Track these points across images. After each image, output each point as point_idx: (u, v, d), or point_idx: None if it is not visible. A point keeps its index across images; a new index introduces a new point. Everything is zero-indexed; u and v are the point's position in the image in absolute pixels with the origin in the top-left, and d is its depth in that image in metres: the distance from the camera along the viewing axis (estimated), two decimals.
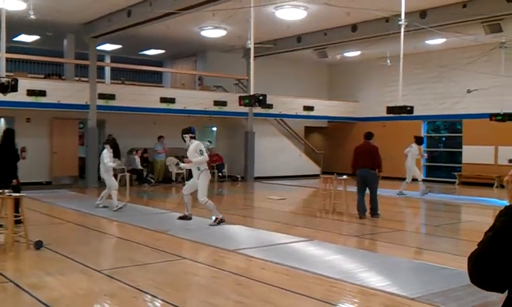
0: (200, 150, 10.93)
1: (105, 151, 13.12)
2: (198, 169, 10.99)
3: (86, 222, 11.48)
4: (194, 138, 11.24)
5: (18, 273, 7.33)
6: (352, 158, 12.74)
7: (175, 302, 5.78)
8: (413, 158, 17.10)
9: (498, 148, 20.42)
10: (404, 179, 17.26)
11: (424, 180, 17.49)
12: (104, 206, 13.05)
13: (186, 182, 20.96)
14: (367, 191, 12.31)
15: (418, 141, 17.65)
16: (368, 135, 12.73)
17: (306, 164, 25.36)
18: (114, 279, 6.70)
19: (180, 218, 11.55)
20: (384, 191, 16.22)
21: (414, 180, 17.10)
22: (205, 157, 11.05)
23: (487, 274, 1.84)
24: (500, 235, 1.84)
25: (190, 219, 11.47)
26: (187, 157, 11.34)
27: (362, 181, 12.28)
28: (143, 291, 6.16)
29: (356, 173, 12.39)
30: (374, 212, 12.22)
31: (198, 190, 11.02)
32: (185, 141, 11.18)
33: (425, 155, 18.72)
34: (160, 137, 20.70)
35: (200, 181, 10.99)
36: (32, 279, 6.76)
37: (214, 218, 11.10)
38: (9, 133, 10.55)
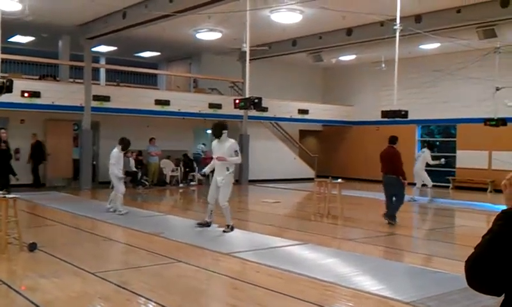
0: (236, 151, 10.27)
1: (114, 150, 12.52)
2: (227, 169, 10.28)
3: (80, 225, 11.43)
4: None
5: (12, 275, 7.30)
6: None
7: (169, 305, 5.77)
8: (423, 164, 16.94)
9: (492, 152, 20.51)
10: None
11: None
12: (114, 211, 12.67)
13: (181, 183, 20.84)
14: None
15: (431, 146, 17.50)
16: (393, 140, 12.32)
17: (300, 167, 25.40)
18: (108, 281, 6.68)
19: (200, 225, 10.81)
20: (378, 195, 16.27)
21: (423, 185, 17.00)
22: (240, 157, 10.52)
23: (484, 277, 1.85)
24: (497, 239, 1.85)
25: (209, 225, 10.77)
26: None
27: (386, 188, 12.04)
28: (137, 294, 6.14)
29: (382, 178, 12.17)
30: (387, 216, 11.91)
31: (220, 193, 10.26)
32: (219, 137, 10.32)
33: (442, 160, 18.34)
34: (151, 139, 20.67)
35: (225, 184, 10.25)
36: (26, 281, 6.74)
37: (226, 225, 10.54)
38: None
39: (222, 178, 10.24)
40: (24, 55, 20.26)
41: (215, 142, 10.54)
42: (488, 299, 1.99)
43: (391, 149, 12.20)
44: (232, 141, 10.44)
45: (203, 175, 11.10)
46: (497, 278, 1.83)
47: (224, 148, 10.23)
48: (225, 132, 10.34)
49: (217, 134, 10.36)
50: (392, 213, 11.91)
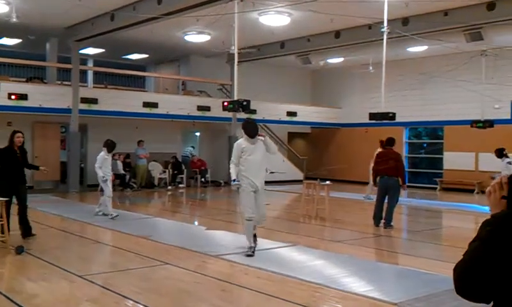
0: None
1: (101, 153, 12.46)
2: (266, 170, 8.79)
3: (68, 228, 11.38)
4: None
5: None
6: (373, 166, 12.17)
7: None
8: None
9: (479, 154, 20.66)
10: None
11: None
12: (104, 214, 12.56)
13: (169, 185, 20.56)
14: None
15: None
16: (391, 141, 12.11)
17: (289, 169, 25.41)
18: (96, 284, 6.66)
19: (249, 255, 8.49)
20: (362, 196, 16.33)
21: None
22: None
23: (473, 286, 1.81)
24: (486, 246, 1.80)
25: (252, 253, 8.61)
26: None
27: (385, 190, 11.79)
28: (125, 296, 6.12)
29: (378, 180, 11.90)
30: (388, 223, 11.73)
31: (262, 201, 8.69)
32: (254, 136, 8.58)
33: None
34: (140, 142, 20.62)
35: (263, 191, 8.62)
36: (13, 284, 6.69)
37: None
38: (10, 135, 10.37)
39: (263, 181, 8.56)
40: (11, 57, 20.14)
41: (246, 143, 8.59)
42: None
43: (394, 151, 12.07)
44: (260, 137, 8.75)
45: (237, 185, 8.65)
46: (486, 286, 1.79)
47: (261, 146, 8.57)
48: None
49: (253, 133, 8.59)
50: (390, 219, 11.80)
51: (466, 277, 1.82)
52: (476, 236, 1.87)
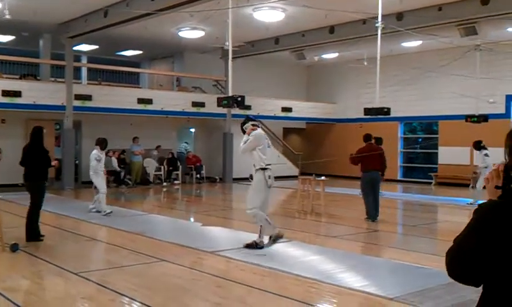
0: (245, 141, 8.65)
1: (94, 151, 12.55)
2: (254, 166, 8.72)
3: (63, 225, 11.34)
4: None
5: None
6: (356, 161, 12.11)
7: (153, 304, 5.74)
8: None
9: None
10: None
11: (401, 181, 17.57)
12: (97, 211, 12.55)
13: (164, 182, 20.64)
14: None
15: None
16: (369, 137, 12.28)
17: (284, 165, 25.39)
18: (91, 281, 6.64)
19: (248, 246, 8.62)
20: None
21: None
22: (243, 147, 8.69)
23: (462, 270, 1.93)
24: (473, 233, 1.91)
25: (261, 247, 8.61)
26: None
27: (372, 184, 11.96)
28: (120, 293, 6.11)
29: (364, 175, 11.98)
30: (377, 215, 11.97)
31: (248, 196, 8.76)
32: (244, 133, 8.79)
33: None
34: (135, 138, 20.57)
35: (252, 185, 8.80)
36: (8, 282, 6.66)
37: (258, 237, 8.67)
38: (39, 132, 10.36)
39: (254, 175, 8.71)
40: (4, 54, 20.02)
41: None
42: (471, 293, 2.03)
43: (376, 146, 12.35)
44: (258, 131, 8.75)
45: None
46: (474, 269, 1.90)
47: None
48: (247, 124, 8.78)
49: (242, 131, 8.88)
50: (377, 211, 11.99)
51: (456, 262, 1.95)
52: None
